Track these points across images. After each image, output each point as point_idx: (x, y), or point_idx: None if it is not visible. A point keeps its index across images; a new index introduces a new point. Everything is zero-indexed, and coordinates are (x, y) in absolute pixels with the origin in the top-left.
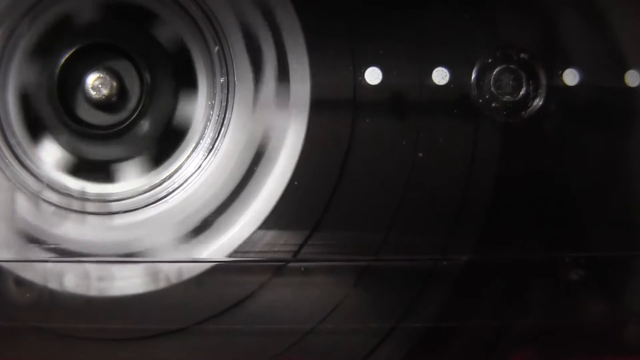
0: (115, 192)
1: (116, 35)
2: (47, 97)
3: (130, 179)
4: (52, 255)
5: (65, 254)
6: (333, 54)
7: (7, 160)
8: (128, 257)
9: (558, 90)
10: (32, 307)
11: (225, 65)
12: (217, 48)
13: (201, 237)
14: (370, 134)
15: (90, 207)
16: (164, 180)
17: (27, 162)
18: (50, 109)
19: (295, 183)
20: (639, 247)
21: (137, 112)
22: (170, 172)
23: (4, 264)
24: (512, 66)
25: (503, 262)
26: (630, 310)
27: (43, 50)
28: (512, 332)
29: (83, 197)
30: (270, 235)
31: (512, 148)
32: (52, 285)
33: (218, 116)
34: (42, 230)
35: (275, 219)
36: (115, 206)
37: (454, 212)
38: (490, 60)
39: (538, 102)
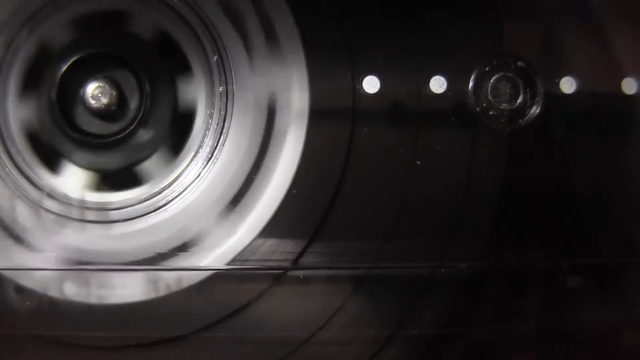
0: (114, 200)
1: (116, 45)
2: (47, 106)
3: (129, 187)
4: (52, 263)
5: (65, 262)
6: (331, 62)
7: (7, 169)
8: (128, 265)
9: (555, 98)
10: (32, 315)
11: (224, 75)
12: (215, 57)
13: (201, 245)
14: (368, 142)
15: (90, 215)
16: (163, 189)
17: (27, 171)
18: (50, 118)
19: (294, 191)
20: (637, 254)
21: (136, 121)
22: (169, 181)
23: (4, 272)
24: (509, 74)
25: (501, 268)
26: (628, 316)
27: (43, 59)
28: (511, 338)
29: (83, 206)
30: (269, 243)
31: (510, 156)
32: (52, 293)
33: (217, 125)
34: (42, 238)
35: (274, 227)
36: (114, 214)
37: (452, 220)
38: (487, 69)
39: (535, 110)
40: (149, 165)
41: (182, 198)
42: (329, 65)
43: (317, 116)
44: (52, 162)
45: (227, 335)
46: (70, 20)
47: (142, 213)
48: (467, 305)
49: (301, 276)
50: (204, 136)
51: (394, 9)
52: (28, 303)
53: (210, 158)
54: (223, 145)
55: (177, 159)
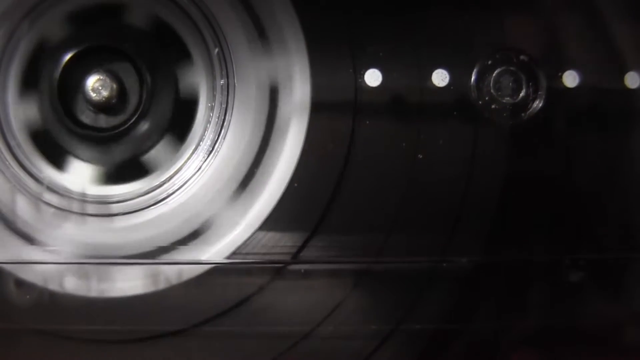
0: (115, 193)
1: (116, 37)
2: (47, 99)
3: (130, 181)
4: (53, 257)
5: (65, 255)
6: (333, 55)
7: (7, 162)
8: (128, 258)
9: (558, 92)
10: (33, 308)
11: (225, 67)
12: (217, 50)
13: (201, 238)
14: (370, 135)
15: (91, 208)
16: (164, 182)
17: (27, 164)
18: (51, 111)
19: (295, 185)
20: (639, 249)
21: (137, 114)
22: (170, 174)
23: (4, 266)
24: (512, 68)
25: (503, 263)
26: (631, 311)
27: (43, 52)
28: (512, 334)
29: (83, 199)
30: (270, 237)
31: (512, 150)
32: (53, 286)
33: (218, 118)
34: (42, 231)
35: (275, 221)
36: (115, 208)
37: (454, 214)
38: (490, 62)
39: (538, 103)
40: (150, 158)
41: (183, 191)
42: (331, 58)
43: (319, 109)
44: (52, 155)
45: (227, 329)
46: (69, 13)
47: (143, 206)
48: (468, 300)
49: (302, 270)
50: (205, 129)
51: (396, 2)
52: (28, 297)
53: (211, 151)
54: (224, 138)
55: (177, 152)
